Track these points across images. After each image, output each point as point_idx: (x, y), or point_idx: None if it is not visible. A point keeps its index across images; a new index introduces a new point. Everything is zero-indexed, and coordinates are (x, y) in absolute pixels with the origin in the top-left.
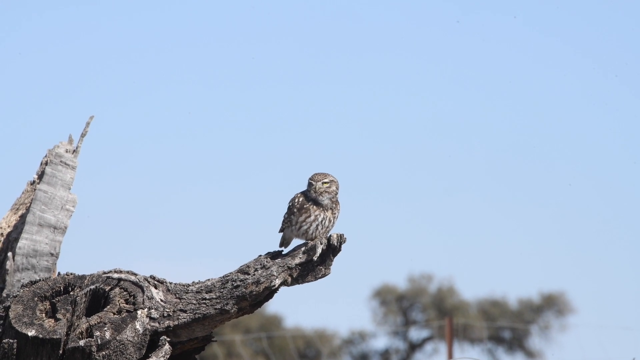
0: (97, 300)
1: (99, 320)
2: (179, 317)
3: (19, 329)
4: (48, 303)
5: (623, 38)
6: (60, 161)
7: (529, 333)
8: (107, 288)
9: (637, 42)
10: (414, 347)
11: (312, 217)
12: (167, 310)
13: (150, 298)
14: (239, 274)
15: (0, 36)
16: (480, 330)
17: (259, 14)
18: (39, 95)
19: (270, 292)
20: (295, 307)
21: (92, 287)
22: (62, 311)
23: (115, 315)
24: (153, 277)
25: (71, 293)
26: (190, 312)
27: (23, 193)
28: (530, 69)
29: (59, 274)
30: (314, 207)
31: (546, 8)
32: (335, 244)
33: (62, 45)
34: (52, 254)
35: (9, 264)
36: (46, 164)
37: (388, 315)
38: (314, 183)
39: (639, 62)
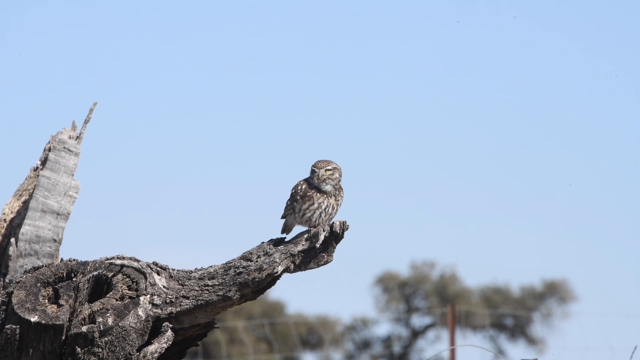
0: (100, 286)
1: (101, 307)
2: (182, 303)
3: (22, 315)
4: (51, 289)
5: (623, 38)
6: (64, 147)
7: (531, 320)
8: (110, 274)
9: (636, 42)
10: (416, 333)
11: (316, 205)
12: (170, 296)
13: (153, 284)
14: (242, 260)
15: (4, 23)
16: (482, 317)
17: (258, 11)
18: (43, 82)
19: (272, 279)
20: (298, 294)
21: (95, 273)
22: (65, 297)
23: (118, 302)
24: (156, 264)
25: (74, 279)
26: (192, 299)
27: (26, 179)
28: (530, 68)
29: (61, 260)
30: (317, 194)
31: (546, 8)
32: (338, 231)
33: (66, 32)
34: (54, 240)
35: (11, 250)
36: (49, 150)
37: (390, 302)
38: (317, 170)
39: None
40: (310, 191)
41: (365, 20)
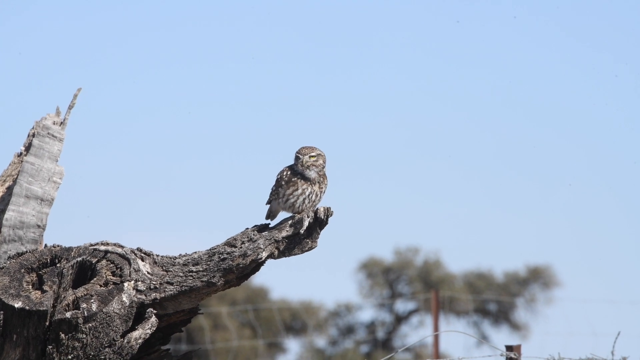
0: (84, 272)
1: (85, 292)
2: (166, 289)
3: (6, 301)
4: (35, 275)
5: (622, 38)
6: (48, 133)
7: (515, 306)
8: (94, 260)
9: (636, 42)
10: (400, 319)
11: (300, 191)
12: (154, 282)
13: (137, 270)
14: (226, 246)
15: None
16: (466, 303)
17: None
18: (27, 67)
19: (257, 265)
20: (282, 280)
21: (79, 259)
22: (49, 283)
23: (102, 288)
24: (140, 250)
25: (58, 265)
26: (177, 285)
27: (10, 165)
28: (530, 66)
29: (45, 245)
30: (301, 180)
31: (545, 8)
32: (322, 217)
33: (51, 17)
34: (38, 226)
35: None
36: (33, 135)
37: (374, 287)
38: (301, 157)
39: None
40: (294, 177)
41: (364, 19)
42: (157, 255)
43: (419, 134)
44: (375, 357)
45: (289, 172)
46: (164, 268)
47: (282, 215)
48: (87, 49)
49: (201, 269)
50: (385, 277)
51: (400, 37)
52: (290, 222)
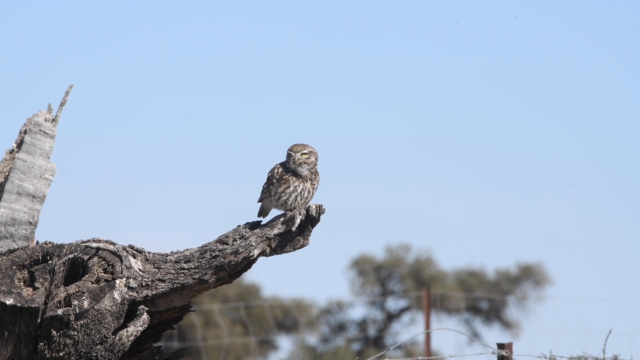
0: (76, 269)
1: (77, 290)
2: (158, 286)
3: None
4: (26, 272)
5: (622, 40)
6: (40, 130)
7: (506, 304)
8: (86, 257)
9: (636, 42)
10: (391, 317)
11: (292, 188)
12: (146, 279)
13: (129, 267)
14: (218, 244)
15: None
16: (457, 301)
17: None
18: (18, 64)
19: (248, 263)
20: (274, 277)
21: (71, 256)
22: (41, 280)
23: (94, 285)
24: (131, 247)
25: (49, 262)
26: (168, 282)
27: (2, 161)
28: (528, 67)
29: (37, 242)
30: (293, 178)
31: (545, 8)
32: (314, 214)
33: (43, 12)
34: (30, 223)
35: None
36: (25, 132)
37: (366, 285)
38: (293, 154)
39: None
40: (286, 175)
41: (363, 19)
42: (149, 253)
43: (412, 132)
44: (366, 355)
45: (280, 170)
46: (156, 265)
47: (274, 212)
48: (79, 45)
49: (193, 266)
50: (377, 274)
51: (400, 36)
52: (282, 219)
